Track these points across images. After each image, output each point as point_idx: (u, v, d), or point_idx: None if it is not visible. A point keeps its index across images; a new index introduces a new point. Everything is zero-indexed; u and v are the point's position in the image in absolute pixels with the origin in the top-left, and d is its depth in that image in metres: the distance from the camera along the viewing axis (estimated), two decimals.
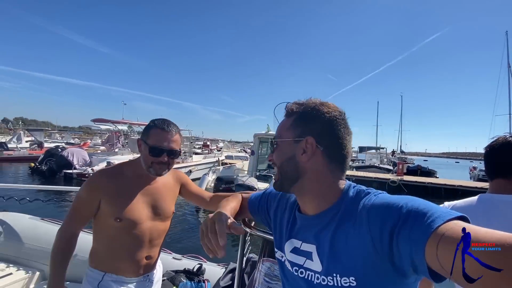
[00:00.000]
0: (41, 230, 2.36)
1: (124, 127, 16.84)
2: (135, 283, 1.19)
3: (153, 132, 1.12)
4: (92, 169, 12.18)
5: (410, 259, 0.47)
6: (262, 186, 8.73)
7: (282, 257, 0.73)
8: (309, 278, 0.64)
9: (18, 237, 2.31)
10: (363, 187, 0.64)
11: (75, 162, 12.86)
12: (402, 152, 38.97)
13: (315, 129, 0.65)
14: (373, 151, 34.44)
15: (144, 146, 1.13)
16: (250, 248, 1.59)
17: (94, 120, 15.24)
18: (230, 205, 0.88)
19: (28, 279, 2.13)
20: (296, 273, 0.67)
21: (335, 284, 0.58)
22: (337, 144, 0.65)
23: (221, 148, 32.57)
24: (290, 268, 0.70)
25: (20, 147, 20.16)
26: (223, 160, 17.27)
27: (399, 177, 15.81)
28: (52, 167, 12.77)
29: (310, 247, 0.65)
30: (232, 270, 1.85)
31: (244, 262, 1.44)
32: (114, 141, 16.56)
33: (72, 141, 32.24)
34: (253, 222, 1.07)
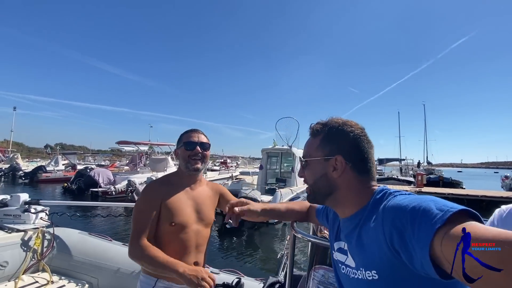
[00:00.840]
0: (89, 244, 2.50)
1: (145, 148, 18.14)
2: None
3: (184, 136, 1.31)
4: (114, 187, 13.27)
5: (419, 258, 0.48)
6: (266, 198, 9.09)
7: (336, 256, 0.79)
8: (347, 273, 0.71)
9: (69, 251, 2.47)
10: (393, 190, 0.68)
11: (100, 181, 14.07)
12: (429, 163, 36.96)
13: (343, 147, 0.71)
14: (396, 162, 33.11)
15: (180, 149, 1.30)
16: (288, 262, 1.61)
17: (119, 143, 16.66)
18: (276, 205, 1.06)
19: None
20: (341, 270, 0.75)
21: (362, 278, 0.64)
22: (362, 158, 0.71)
23: (239, 165, 33.20)
24: (338, 264, 0.77)
25: (57, 170, 22.26)
26: (237, 175, 17.80)
27: (417, 189, 15.25)
28: (81, 186, 14.08)
29: (346, 246, 0.73)
30: (272, 285, 1.84)
31: (282, 277, 1.55)
32: (137, 161, 17.87)
33: (103, 163, 34.47)
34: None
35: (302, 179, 0.81)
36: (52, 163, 24.65)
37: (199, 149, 1.27)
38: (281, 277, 1.68)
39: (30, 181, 20.04)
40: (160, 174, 14.00)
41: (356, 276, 0.67)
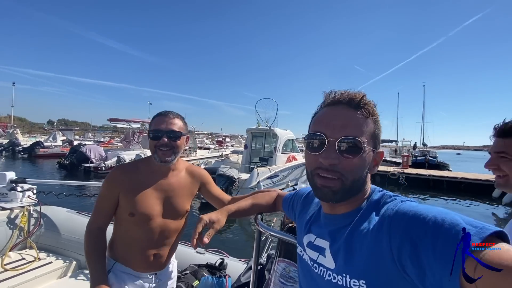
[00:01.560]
0: (76, 222, 2.55)
1: (138, 125, 18.47)
2: (143, 279, 1.21)
3: (153, 120, 1.17)
4: (104, 163, 13.79)
5: (437, 279, 0.42)
6: (245, 176, 9.51)
7: (301, 251, 0.73)
8: (321, 274, 0.63)
9: (56, 229, 2.53)
10: (392, 193, 0.61)
11: (92, 157, 14.58)
12: (424, 145, 37.08)
13: (380, 138, 0.63)
14: (392, 144, 33.30)
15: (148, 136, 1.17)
16: (271, 245, 1.64)
17: (110, 120, 16.93)
18: (240, 204, 0.98)
19: (66, 267, 2.32)
20: (312, 267, 0.67)
21: (344, 285, 0.57)
22: None
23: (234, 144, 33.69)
24: (308, 261, 0.69)
25: (54, 145, 22.91)
26: (227, 154, 18.24)
27: (401, 170, 15.62)
28: (73, 161, 14.61)
29: (324, 243, 0.65)
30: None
31: (265, 259, 1.59)
32: (130, 138, 18.30)
33: (102, 139, 34.98)
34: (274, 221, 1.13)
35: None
36: (50, 139, 25.29)
37: (166, 139, 1.12)
38: (263, 259, 1.68)
39: (28, 156, 20.72)
40: (149, 152, 14.44)
41: (335, 281, 0.59)
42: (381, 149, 0.63)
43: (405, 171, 15.44)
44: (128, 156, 13.84)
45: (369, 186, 0.64)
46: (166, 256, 1.25)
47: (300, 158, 13.20)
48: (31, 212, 2.59)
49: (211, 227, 0.82)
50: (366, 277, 0.54)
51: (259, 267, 1.60)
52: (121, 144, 19.87)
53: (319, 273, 0.64)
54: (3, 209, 2.48)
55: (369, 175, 0.63)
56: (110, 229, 1.22)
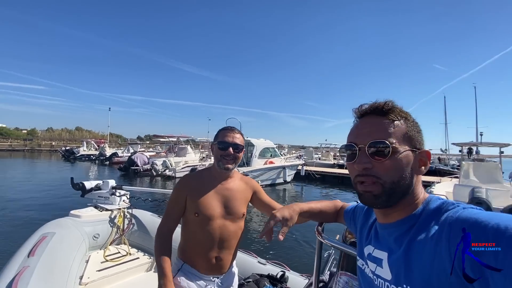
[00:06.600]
0: (157, 225, 2.65)
1: (174, 139, 24.18)
2: (206, 281, 1.33)
3: (220, 133, 1.37)
4: (142, 167, 19.35)
5: None
6: None
7: (362, 265, 0.73)
8: (380, 286, 0.64)
9: (145, 229, 2.97)
10: (451, 200, 0.58)
11: (138, 162, 20.36)
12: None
13: (422, 140, 0.63)
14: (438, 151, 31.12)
15: (215, 146, 1.36)
16: (334, 263, 1.67)
17: (153, 136, 22.96)
18: (311, 205, 0.99)
19: (150, 264, 2.68)
20: (372, 280, 0.67)
21: None
22: None
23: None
24: (369, 274, 0.69)
25: (125, 155, 30.75)
26: None
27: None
28: (125, 165, 20.65)
29: (381, 254, 0.65)
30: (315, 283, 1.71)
31: (327, 277, 1.59)
32: (171, 149, 24.11)
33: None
34: (339, 236, 1.09)
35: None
36: (125, 150, 33.86)
37: (231, 150, 1.32)
38: (325, 276, 1.64)
39: (109, 164, 28.90)
40: (177, 159, 19.44)
41: None
42: (424, 149, 0.62)
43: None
44: (159, 162, 19.01)
45: (421, 189, 0.63)
46: (227, 260, 1.37)
47: (278, 163, 15.94)
48: (126, 213, 3.01)
49: (284, 224, 0.87)
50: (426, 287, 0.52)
51: (321, 284, 1.52)
52: (164, 153, 25.96)
53: (378, 285, 0.64)
54: (107, 210, 2.95)
55: (416, 177, 0.62)
56: (178, 234, 1.37)
